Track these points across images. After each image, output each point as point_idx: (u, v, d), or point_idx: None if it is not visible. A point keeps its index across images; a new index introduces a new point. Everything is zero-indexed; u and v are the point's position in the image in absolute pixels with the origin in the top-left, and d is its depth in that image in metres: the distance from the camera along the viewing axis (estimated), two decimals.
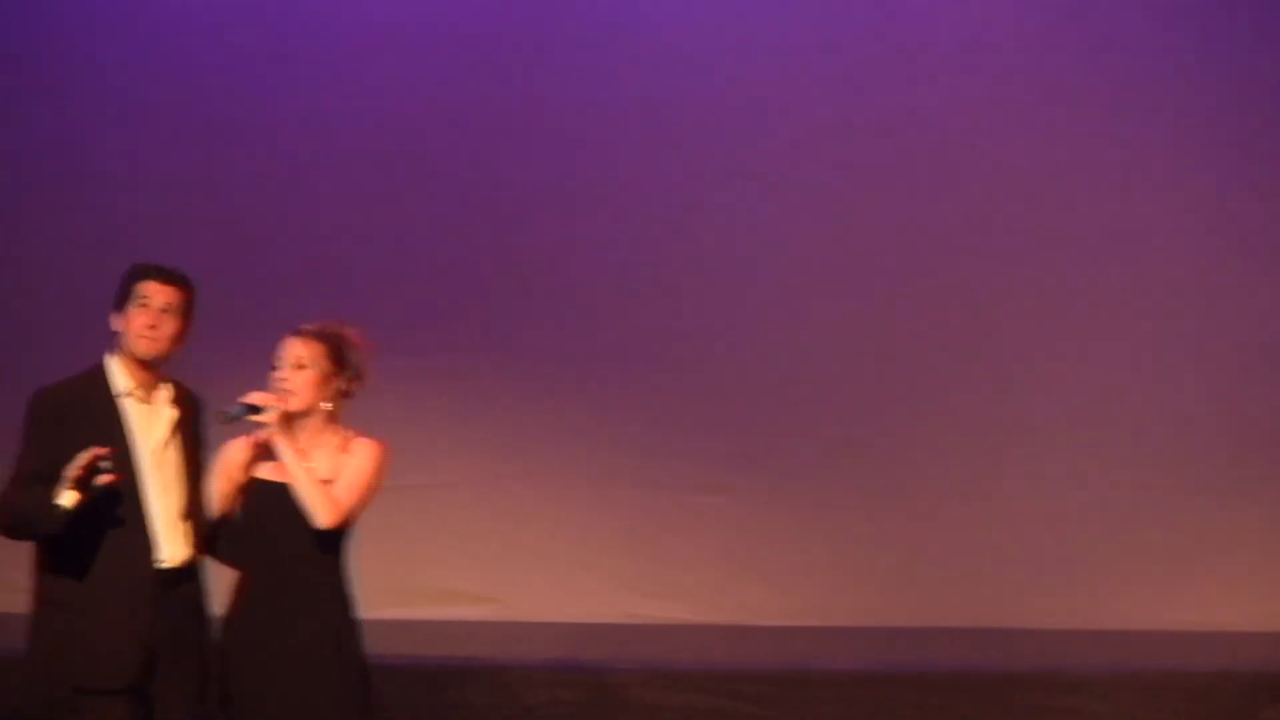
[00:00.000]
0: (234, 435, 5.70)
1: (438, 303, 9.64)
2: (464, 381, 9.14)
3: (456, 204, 9.97)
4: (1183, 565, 9.56)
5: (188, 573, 5.44)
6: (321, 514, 5.33)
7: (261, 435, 5.45)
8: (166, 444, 5.42)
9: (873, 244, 9.79)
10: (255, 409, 5.33)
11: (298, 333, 5.54)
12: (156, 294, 5.50)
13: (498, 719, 8.17)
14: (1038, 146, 10.01)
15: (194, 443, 5.53)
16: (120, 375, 5.47)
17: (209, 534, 5.42)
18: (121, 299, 5.41)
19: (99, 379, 5.47)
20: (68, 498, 5.15)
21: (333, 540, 5.48)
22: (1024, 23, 10.16)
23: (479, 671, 8.24)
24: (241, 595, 5.42)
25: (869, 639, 9.20)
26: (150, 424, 5.48)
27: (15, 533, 5.36)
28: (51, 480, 5.30)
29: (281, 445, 5.36)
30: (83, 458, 5.25)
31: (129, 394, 5.49)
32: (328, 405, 5.57)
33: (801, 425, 9.62)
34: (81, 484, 5.25)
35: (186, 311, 5.49)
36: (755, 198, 9.89)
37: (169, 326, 5.41)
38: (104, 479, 5.30)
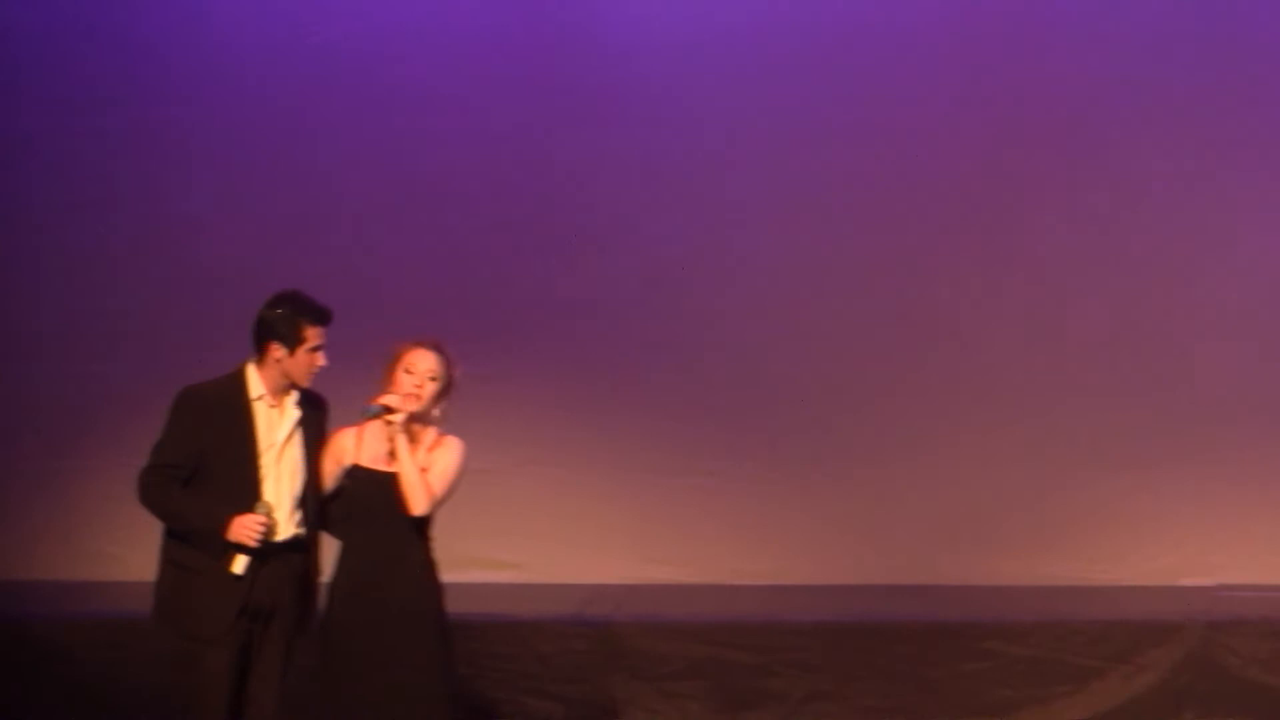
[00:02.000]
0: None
1: (480, 319, 10.31)
2: (494, 385, 9.83)
3: (469, 209, 10.61)
4: (1078, 528, 10.47)
5: (296, 545, 6.39)
6: (421, 502, 6.32)
7: (376, 429, 6.40)
8: (288, 440, 6.38)
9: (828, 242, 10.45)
10: (389, 410, 6.26)
11: (433, 347, 6.50)
12: (322, 338, 6.50)
13: (517, 665, 9.22)
14: (982, 142, 10.62)
15: (315, 439, 6.48)
16: (256, 382, 6.41)
17: (323, 514, 6.36)
18: (291, 337, 6.32)
19: (238, 383, 6.41)
20: (239, 564, 6.17)
21: (423, 521, 6.48)
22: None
23: (502, 626, 9.23)
24: (346, 566, 6.42)
25: (829, 595, 10.01)
26: (277, 425, 6.44)
27: (165, 521, 6.34)
28: (187, 469, 6.24)
29: (400, 442, 6.30)
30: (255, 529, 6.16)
31: (260, 398, 6.41)
32: (438, 411, 6.55)
33: (776, 415, 10.46)
34: (250, 550, 6.23)
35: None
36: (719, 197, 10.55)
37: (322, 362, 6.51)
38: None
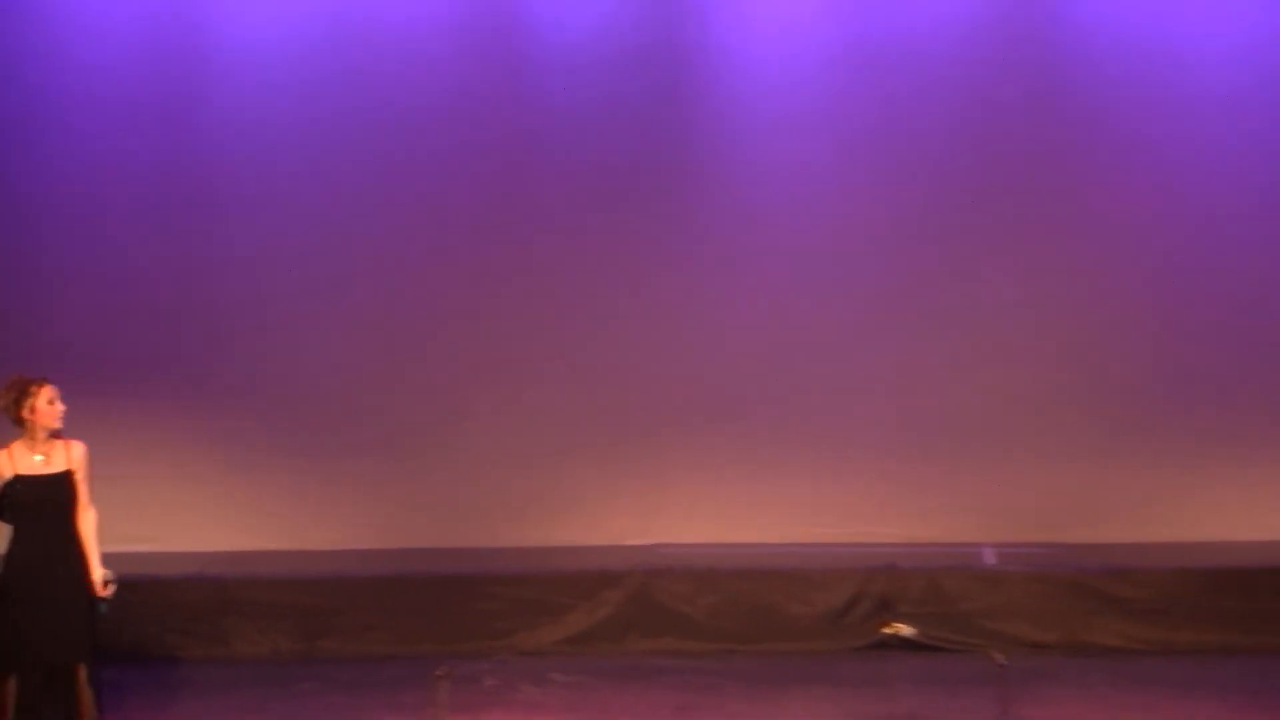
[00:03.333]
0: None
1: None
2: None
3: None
4: (560, 502, 13.05)
5: None
6: (86, 503, 8.55)
7: (22, 446, 8.40)
8: None
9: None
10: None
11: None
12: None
13: (155, 611, 11.67)
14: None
15: None
16: None
17: None
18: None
19: None
20: None
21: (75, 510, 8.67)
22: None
23: (146, 582, 11.43)
24: (21, 543, 8.50)
25: (387, 556, 12.68)
26: None
27: None
28: None
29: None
30: None
31: None
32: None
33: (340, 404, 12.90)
34: None
35: None
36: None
37: None
38: None
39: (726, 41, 13.30)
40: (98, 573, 8.76)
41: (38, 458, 8.83)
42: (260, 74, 13.29)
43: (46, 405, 8.67)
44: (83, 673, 8.93)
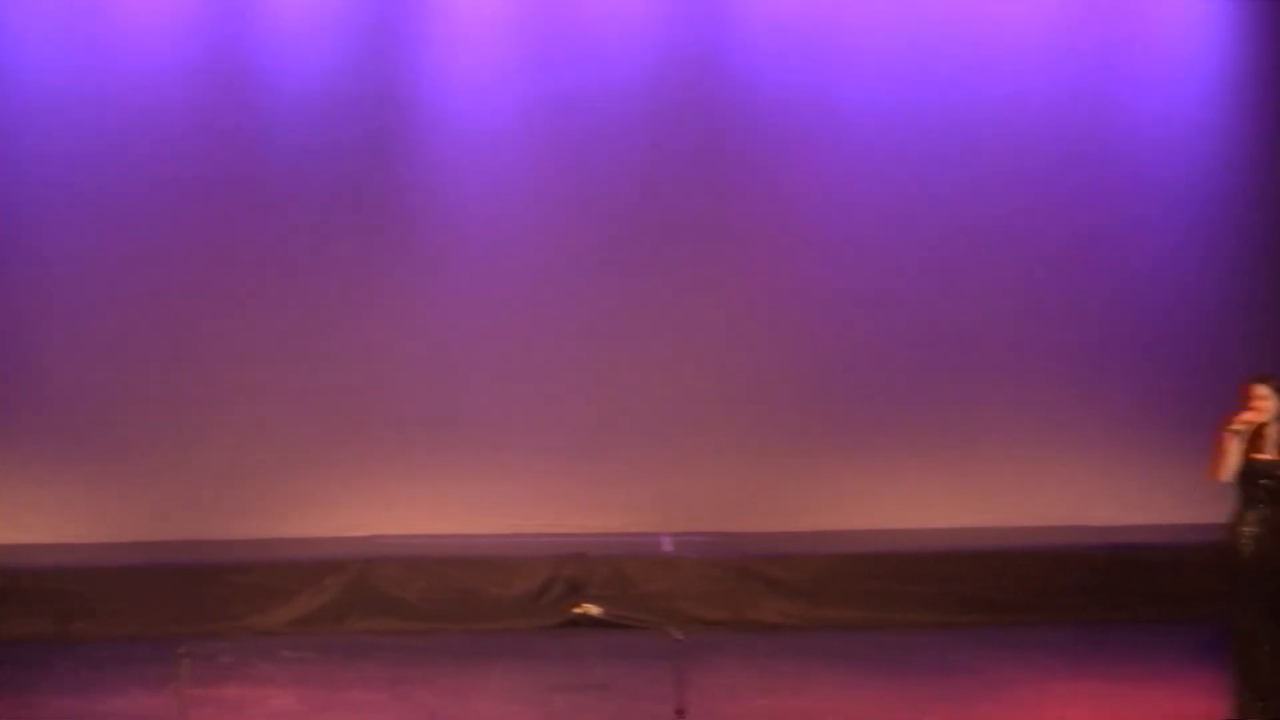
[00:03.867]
0: None
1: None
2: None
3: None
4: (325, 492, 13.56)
5: None
6: None
7: None
8: None
9: None
10: None
11: None
12: None
13: None
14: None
15: None
16: None
17: None
18: None
19: None
20: None
21: None
22: None
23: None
24: None
25: (135, 549, 13.18)
26: None
27: None
28: None
29: None
30: None
31: None
32: None
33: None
34: None
35: None
36: None
37: None
38: None
39: (432, 94, 13.84)
40: None
41: None
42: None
43: None
44: None
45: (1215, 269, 13.93)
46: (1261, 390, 9.47)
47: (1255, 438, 9.51)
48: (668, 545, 13.30)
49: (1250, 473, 9.49)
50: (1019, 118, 13.84)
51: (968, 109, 13.80)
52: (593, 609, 11.84)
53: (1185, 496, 12.23)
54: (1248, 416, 9.44)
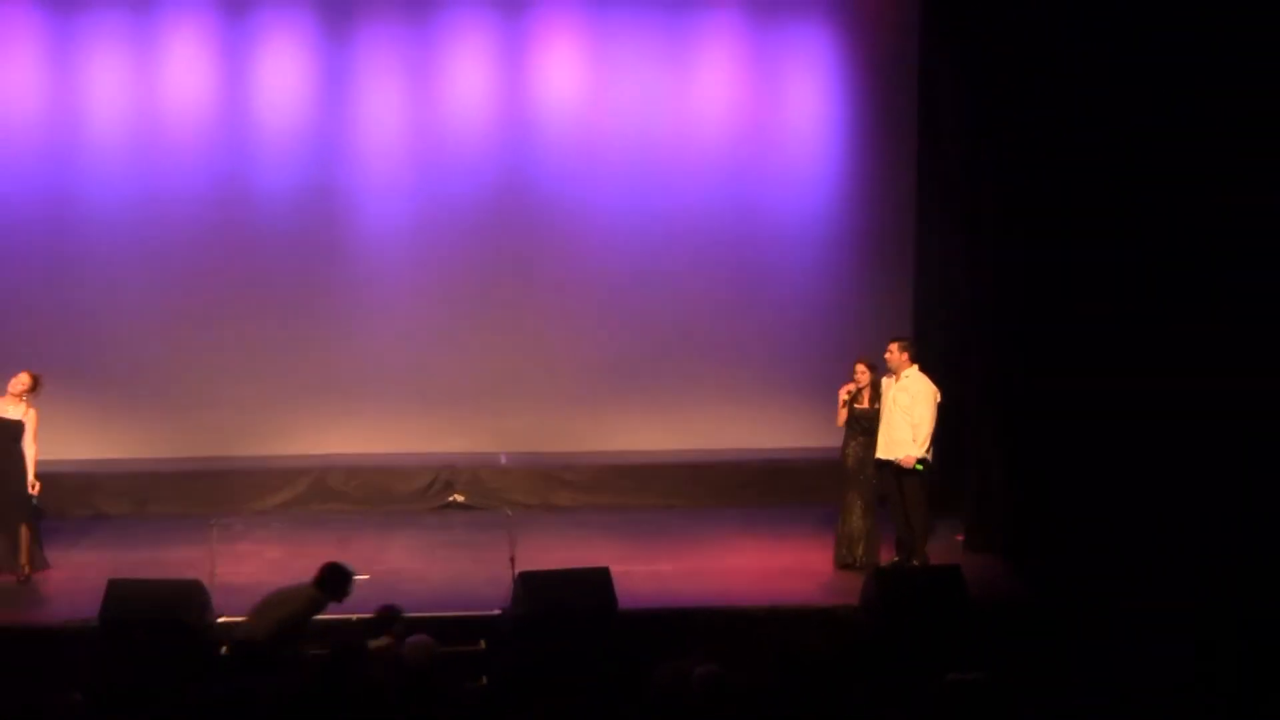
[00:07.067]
0: None
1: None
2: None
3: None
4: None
5: None
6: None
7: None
8: None
9: None
10: None
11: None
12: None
13: None
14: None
15: None
16: None
17: None
18: None
19: None
20: None
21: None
22: None
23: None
24: None
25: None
26: None
27: None
28: None
29: None
30: None
31: None
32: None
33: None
34: None
35: None
36: None
37: None
38: None
39: (359, 194, 17.27)
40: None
41: None
42: None
43: None
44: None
45: (828, 290, 17.75)
46: (860, 367, 12.89)
47: (859, 396, 12.89)
48: (504, 460, 16.61)
49: (853, 418, 12.86)
50: (704, 215, 17.77)
51: (672, 210, 17.63)
52: (459, 498, 15.65)
53: (814, 430, 15.72)
54: (851, 386, 12.89)
